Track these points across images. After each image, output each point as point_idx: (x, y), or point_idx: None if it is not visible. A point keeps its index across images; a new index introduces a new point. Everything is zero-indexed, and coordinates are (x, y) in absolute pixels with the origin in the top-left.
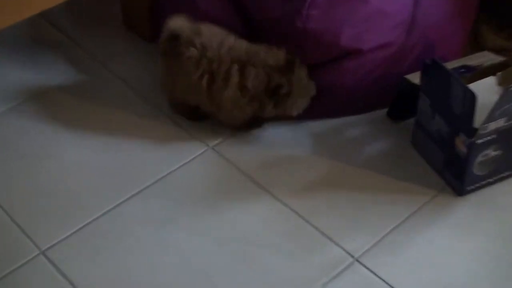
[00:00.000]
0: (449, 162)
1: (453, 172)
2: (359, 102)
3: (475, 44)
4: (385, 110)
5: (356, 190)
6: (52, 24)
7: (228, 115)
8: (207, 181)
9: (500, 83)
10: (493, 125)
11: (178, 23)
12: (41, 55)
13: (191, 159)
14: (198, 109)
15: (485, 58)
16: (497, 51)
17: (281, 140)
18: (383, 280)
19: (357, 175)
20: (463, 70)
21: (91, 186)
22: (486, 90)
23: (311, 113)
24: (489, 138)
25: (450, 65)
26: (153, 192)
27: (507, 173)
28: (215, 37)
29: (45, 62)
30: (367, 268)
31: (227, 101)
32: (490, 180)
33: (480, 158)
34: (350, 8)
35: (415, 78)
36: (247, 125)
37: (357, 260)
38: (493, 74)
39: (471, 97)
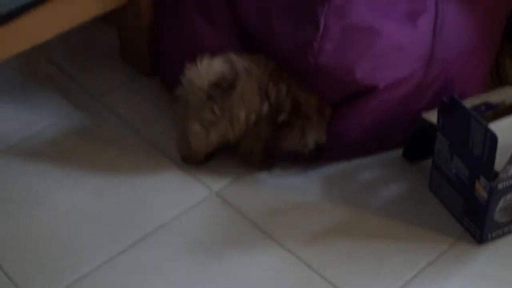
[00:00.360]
0: (468, 208)
1: (473, 218)
2: (373, 142)
3: (497, 78)
4: (400, 151)
5: (370, 238)
6: (45, 57)
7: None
8: (211, 228)
9: None
10: None
11: (217, 67)
12: (33, 90)
13: (194, 204)
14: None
15: (508, 94)
16: None
17: (289, 184)
18: None
19: (371, 222)
20: (483, 107)
21: (85, 234)
22: (508, 130)
23: (323, 155)
24: (511, 182)
25: (470, 101)
26: (153, 241)
27: None
28: (245, 59)
29: (38, 97)
30: None
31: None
32: None
33: (501, 204)
34: (365, 41)
35: (433, 116)
36: (261, 162)
37: None
38: None
39: (492, 139)
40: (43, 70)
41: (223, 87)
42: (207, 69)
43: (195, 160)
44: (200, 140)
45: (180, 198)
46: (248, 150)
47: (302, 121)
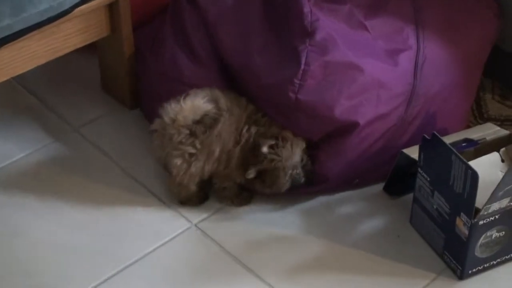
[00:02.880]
0: (449, 243)
1: (454, 254)
2: (354, 177)
3: (478, 114)
4: (381, 185)
5: (350, 273)
6: (25, 87)
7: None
8: (190, 261)
9: (504, 160)
10: (496, 205)
11: (201, 103)
12: (12, 121)
13: (173, 236)
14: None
15: (489, 130)
16: (501, 121)
17: (269, 218)
18: None
19: (351, 256)
20: (464, 144)
21: (62, 267)
22: (489, 167)
23: (303, 190)
24: (492, 218)
25: (451, 138)
26: (132, 274)
27: (511, 255)
28: (227, 97)
29: (17, 128)
30: None
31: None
32: (494, 262)
33: (482, 240)
34: (346, 78)
35: (413, 152)
36: (235, 197)
37: None
38: (497, 149)
39: (473, 176)
40: (22, 100)
41: (205, 124)
42: (191, 108)
43: (189, 201)
44: (182, 173)
45: (160, 231)
46: (220, 186)
47: (270, 171)
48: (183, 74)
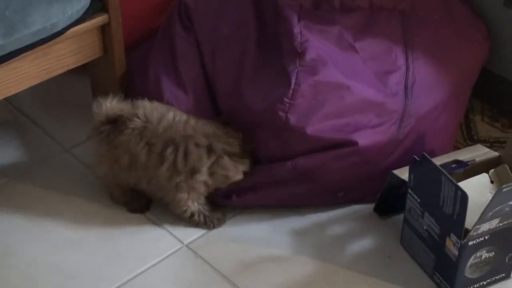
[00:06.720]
0: (439, 264)
1: (444, 274)
2: (340, 192)
3: (468, 136)
4: (371, 205)
5: None
6: (17, 107)
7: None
8: (181, 282)
9: (493, 181)
10: (486, 226)
11: (115, 105)
12: (1, 140)
13: (165, 257)
14: (139, 198)
15: (478, 152)
16: (491, 142)
17: (260, 237)
18: None
19: (342, 277)
20: (454, 165)
21: (53, 287)
22: (479, 188)
23: (288, 199)
24: (481, 239)
25: (441, 159)
26: None
27: (501, 275)
28: (156, 111)
29: (6, 148)
30: None
31: (162, 178)
32: (483, 282)
33: (472, 260)
34: (335, 97)
35: (403, 173)
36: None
37: None
38: (486, 170)
39: (463, 197)
40: (14, 120)
41: (116, 128)
42: (105, 106)
43: (116, 199)
44: (94, 167)
45: (151, 251)
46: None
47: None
48: (163, 97)
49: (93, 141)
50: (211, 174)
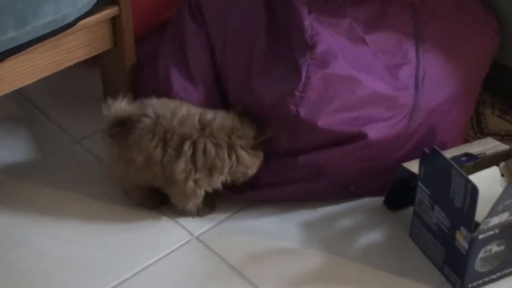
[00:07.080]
0: (449, 257)
1: (454, 267)
2: (351, 185)
3: (478, 129)
4: (381, 198)
5: (350, 286)
6: (27, 99)
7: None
8: (191, 274)
9: (503, 174)
10: (496, 220)
11: (124, 107)
12: (12, 132)
13: (174, 249)
14: (156, 194)
15: (488, 145)
16: (501, 135)
17: (270, 230)
18: None
19: (350, 269)
20: (464, 158)
21: (62, 280)
22: (489, 181)
23: (300, 194)
24: (491, 233)
25: (451, 152)
26: (132, 286)
27: (511, 269)
28: (166, 106)
29: (17, 140)
30: None
31: (179, 173)
32: (493, 276)
33: (482, 254)
34: (346, 91)
35: (414, 166)
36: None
37: None
38: (497, 163)
39: (473, 191)
40: (24, 112)
41: (126, 129)
42: (113, 109)
43: (142, 198)
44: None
45: (161, 243)
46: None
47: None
48: (172, 90)
49: (105, 143)
50: (232, 173)
